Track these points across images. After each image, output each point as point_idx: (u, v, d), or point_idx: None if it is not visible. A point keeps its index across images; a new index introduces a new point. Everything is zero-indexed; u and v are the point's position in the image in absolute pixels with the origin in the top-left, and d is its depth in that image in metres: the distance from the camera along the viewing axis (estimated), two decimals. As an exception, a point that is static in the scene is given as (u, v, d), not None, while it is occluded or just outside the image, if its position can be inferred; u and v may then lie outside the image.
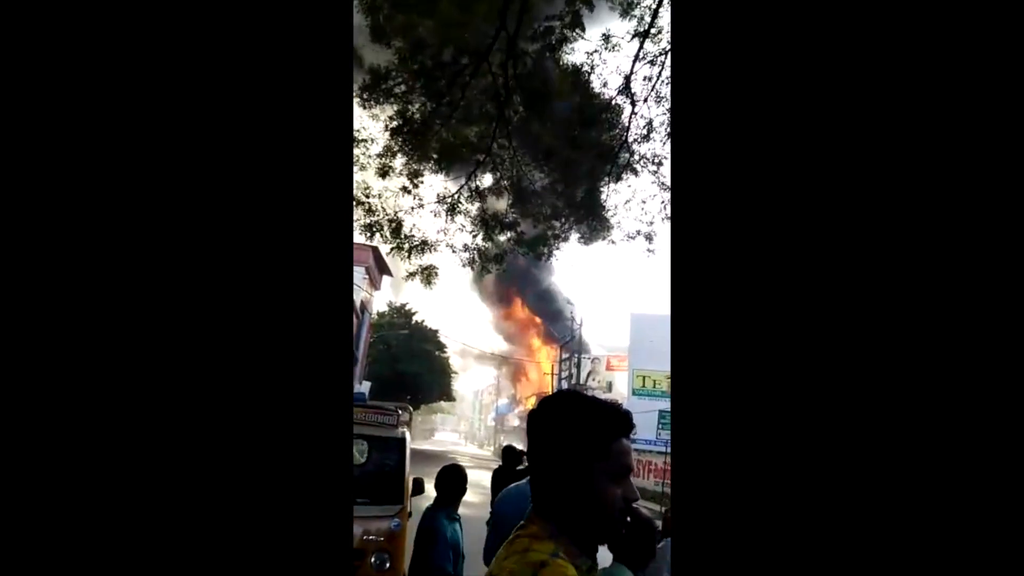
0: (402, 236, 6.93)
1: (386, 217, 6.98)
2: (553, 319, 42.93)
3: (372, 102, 6.76)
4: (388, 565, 5.24)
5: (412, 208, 7.02)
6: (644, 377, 27.58)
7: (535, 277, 44.18)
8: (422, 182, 6.98)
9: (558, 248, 7.43)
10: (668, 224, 7.66)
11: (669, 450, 16.85)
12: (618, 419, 0.98)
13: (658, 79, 6.58)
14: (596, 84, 6.78)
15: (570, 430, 0.97)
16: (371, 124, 6.89)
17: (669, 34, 6.50)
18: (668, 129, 6.75)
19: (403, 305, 32.84)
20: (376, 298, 29.26)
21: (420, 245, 6.93)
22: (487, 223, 7.03)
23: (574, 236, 7.65)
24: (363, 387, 23.37)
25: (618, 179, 7.24)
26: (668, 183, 7.18)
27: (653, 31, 6.48)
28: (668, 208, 8.51)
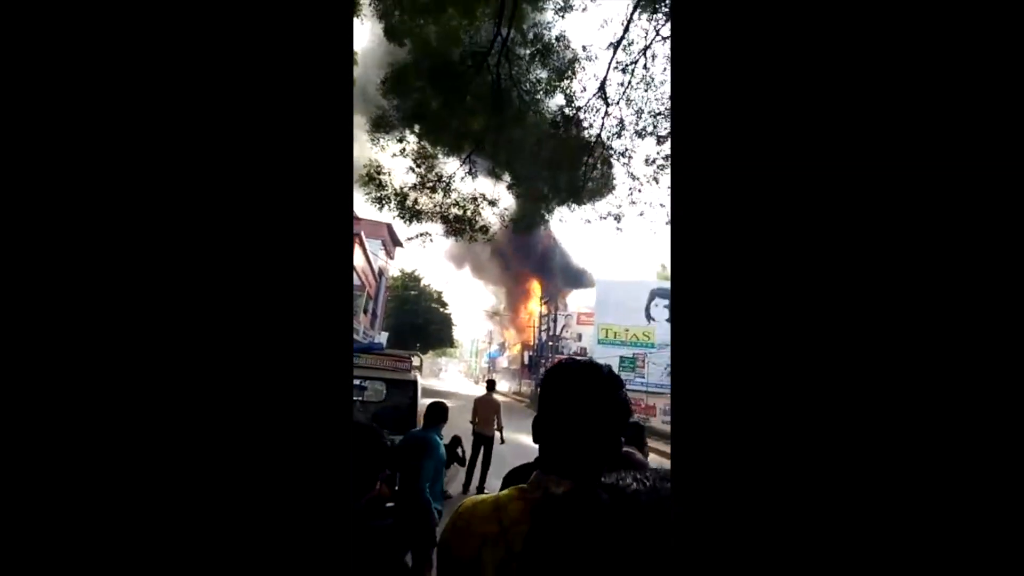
0: (405, 208, 8.53)
1: (393, 192, 8.58)
2: (570, 282, 54.18)
3: (392, 95, 8.23)
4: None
5: (416, 185, 8.61)
6: (607, 330, 36.77)
7: (530, 248, 52.34)
8: (427, 163, 8.56)
9: (545, 222, 9.03)
10: (633, 207, 9.17)
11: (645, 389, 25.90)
12: None
13: (628, 85, 7.92)
14: (576, 88, 8.17)
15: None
16: (393, 113, 8.41)
17: (640, 46, 7.78)
18: (635, 128, 8.09)
19: (413, 271, 42.97)
20: (391, 266, 38.14)
21: (417, 214, 8.57)
22: (476, 199, 8.64)
23: (561, 213, 9.31)
24: (382, 337, 29.51)
25: (595, 167, 8.65)
26: (634, 173, 8.64)
27: (624, 43, 7.77)
28: (635, 193, 9.98)
